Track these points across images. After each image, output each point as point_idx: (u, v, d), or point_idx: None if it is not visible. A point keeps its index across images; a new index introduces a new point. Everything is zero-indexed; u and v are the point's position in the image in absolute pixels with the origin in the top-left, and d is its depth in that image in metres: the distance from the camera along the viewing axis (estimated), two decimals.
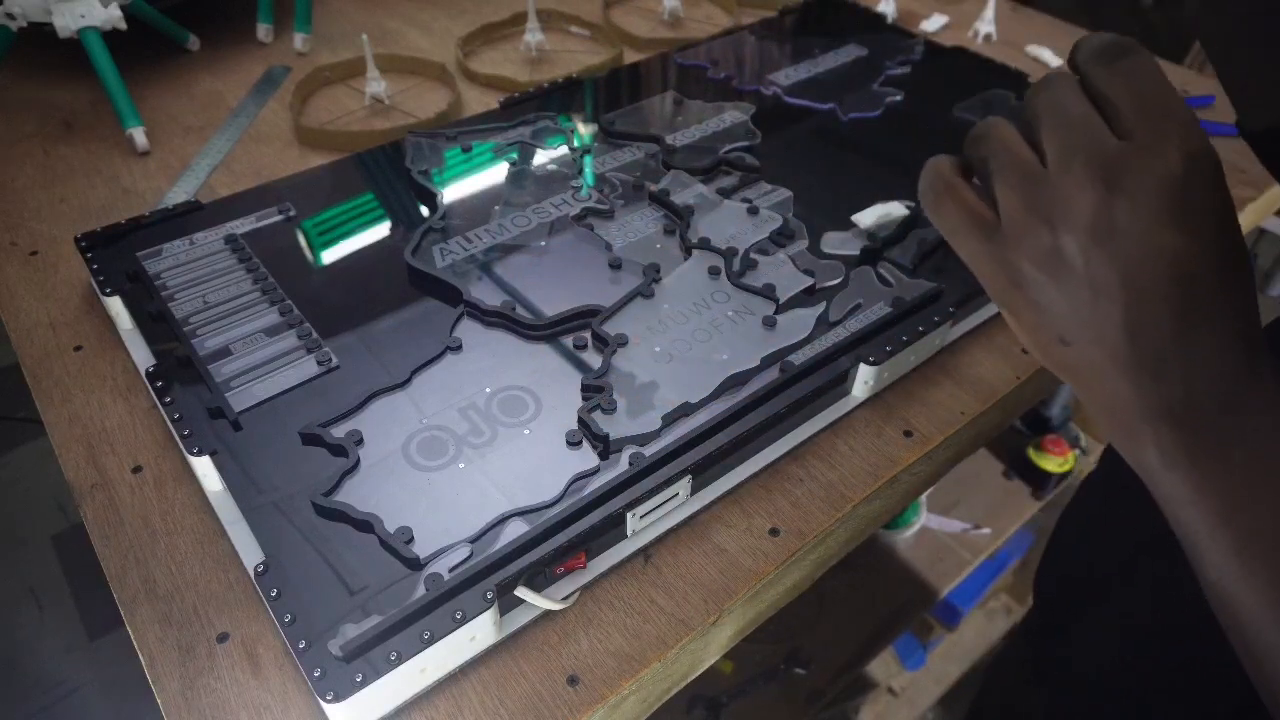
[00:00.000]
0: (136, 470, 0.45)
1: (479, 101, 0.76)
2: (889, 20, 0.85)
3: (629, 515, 0.41)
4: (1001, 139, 0.26)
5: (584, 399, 0.45)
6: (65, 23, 0.68)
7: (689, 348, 0.48)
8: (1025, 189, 0.25)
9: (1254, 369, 0.26)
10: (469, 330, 0.49)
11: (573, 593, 0.40)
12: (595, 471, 0.42)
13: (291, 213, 0.58)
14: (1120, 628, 0.40)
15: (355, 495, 0.40)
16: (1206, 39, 0.38)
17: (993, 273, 0.27)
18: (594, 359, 0.48)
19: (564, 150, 0.64)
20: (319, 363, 0.47)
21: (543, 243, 0.55)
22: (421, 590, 0.36)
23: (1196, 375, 0.26)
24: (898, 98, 0.71)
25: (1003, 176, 0.26)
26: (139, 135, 0.69)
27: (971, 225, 0.27)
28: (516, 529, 0.39)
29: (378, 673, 0.34)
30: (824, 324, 0.50)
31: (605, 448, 0.43)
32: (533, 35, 0.81)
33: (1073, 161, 0.25)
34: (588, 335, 0.49)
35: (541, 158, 0.63)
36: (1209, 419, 0.26)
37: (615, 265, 0.53)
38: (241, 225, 0.57)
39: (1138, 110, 0.25)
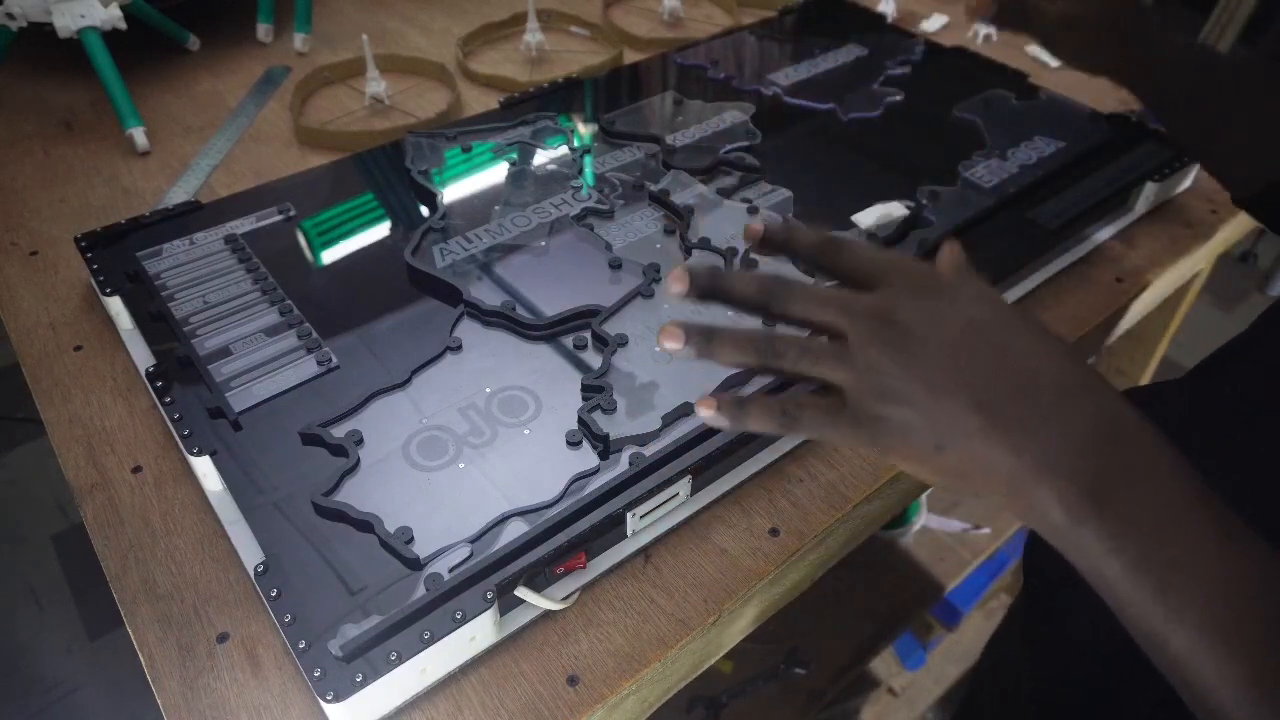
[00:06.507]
0: (136, 470, 0.45)
1: (479, 101, 0.76)
2: (889, 20, 0.85)
3: (629, 515, 0.41)
4: (797, 343, 0.31)
5: (584, 399, 0.45)
6: (65, 23, 0.68)
7: None
8: (843, 359, 0.30)
9: (1116, 407, 0.29)
10: (469, 330, 0.49)
11: (573, 593, 0.40)
12: (595, 471, 0.42)
13: (291, 213, 0.58)
14: (1088, 603, 0.42)
15: (355, 495, 0.40)
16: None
17: (862, 432, 0.30)
18: (594, 359, 0.48)
19: (564, 150, 0.64)
20: (319, 363, 0.47)
21: (543, 243, 0.55)
22: (421, 590, 0.36)
23: (1060, 422, 0.28)
24: (898, 98, 0.71)
25: (824, 364, 0.31)
26: (139, 135, 0.69)
27: (830, 413, 0.31)
28: (516, 529, 0.39)
29: (378, 673, 0.34)
30: None
31: (605, 448, 0.43)
32: (533, 35, 0.81)
33: (857, 322, 0.30)
34: (588, 335, 0.49)
35: (541, 158, 0.63)
36: (1097, 462, 0.28)
37: (615, 265, 0.53)
38: (241, 225, 0.57)
39: (873, 269, 0.32)
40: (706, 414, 0.32)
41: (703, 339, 0.31)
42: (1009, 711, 0.52)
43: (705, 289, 0.32)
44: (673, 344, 0.31)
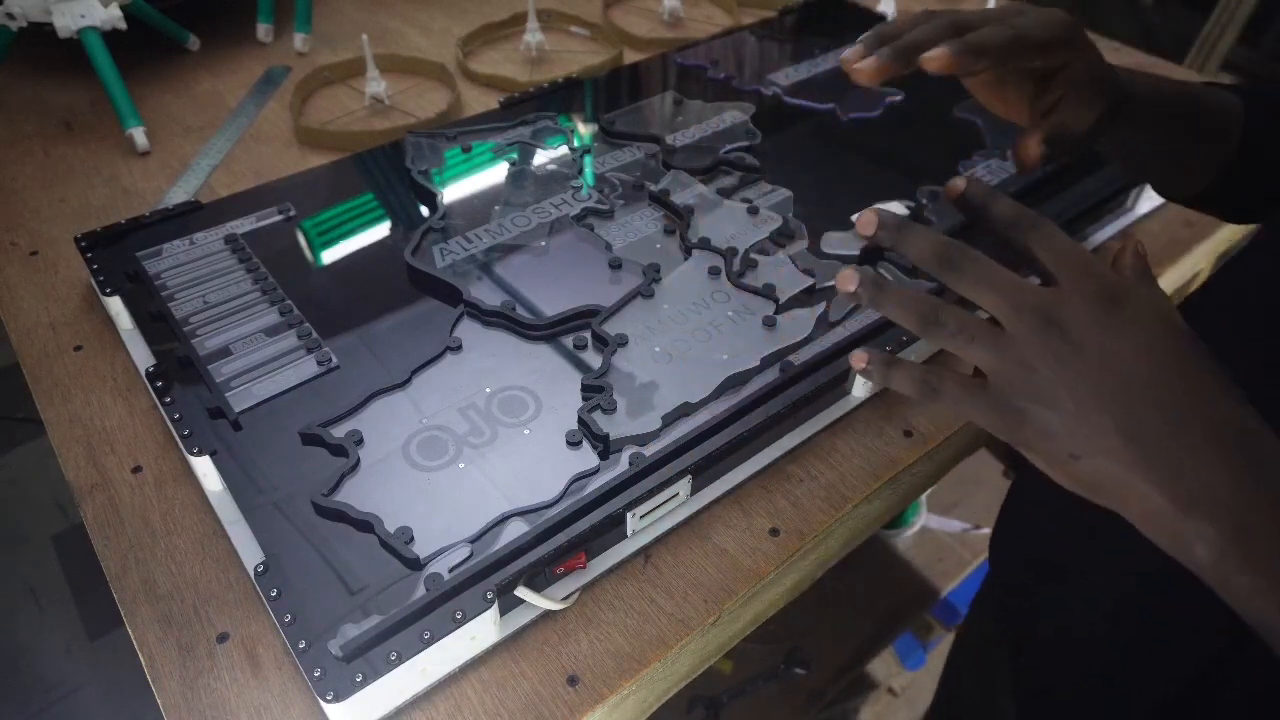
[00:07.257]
0: (136, 470, 0.45)
1: (479, 101, 0.76)
2: (889, 20, 0.85)
3: (629, 515, 0.41)
4: (958, 318, 0.31)
5: (584, 399, 0.45)
6: (65, 23, 0.68)
7: (689, 348, 0.48)
8: (997, 348, 0.30)
9: (1270, 450, 0.28)
10: (469, 330, 0.49)
11: (573, 593, 0.40)
12: (595, 471, 0.42)
13: (291, 213, 0.58)
14: (1085, 598, 0.42)
15: (355, 495, 0.40)
16: (1116, 160, 0.49)
17: (999, 419, 0.31)
18: (594, 359, 0.48)
19: (564, 150, 0.64)
20: (319, 363, 0.47)
21: (543, 243, 0.55)
22: (421, 590, 0.36)
23: (1206, 463, 0.27)
24: (898, 98, 0.71)
25: (977, 347, 0.31)
26: (139, 135, 0.69)
27: (970, 392, 0.31)
28: (516, 529, 0.39)
29: (378, 673, 0.34)
30: (824, 324, 0.50)
31: (605, 448, 0.43)
32: (533, 35, 0.81)
33: (1021, 316, 0.30)
34: (588, 335, 0.49)
35: (541, 158, 0.63)
36: (1242, 506, 0.27)
37: (615, 265, 0.53)
38: (241, 225, 0.57)
39: (1056, 263, 0.31)
40: (858, 366, 0.33)
41: (874, 288, 0.32)
42: (996, 711, 0.52)
43: (889, 238, 0.33)
44: (849, 286, 0.32)
